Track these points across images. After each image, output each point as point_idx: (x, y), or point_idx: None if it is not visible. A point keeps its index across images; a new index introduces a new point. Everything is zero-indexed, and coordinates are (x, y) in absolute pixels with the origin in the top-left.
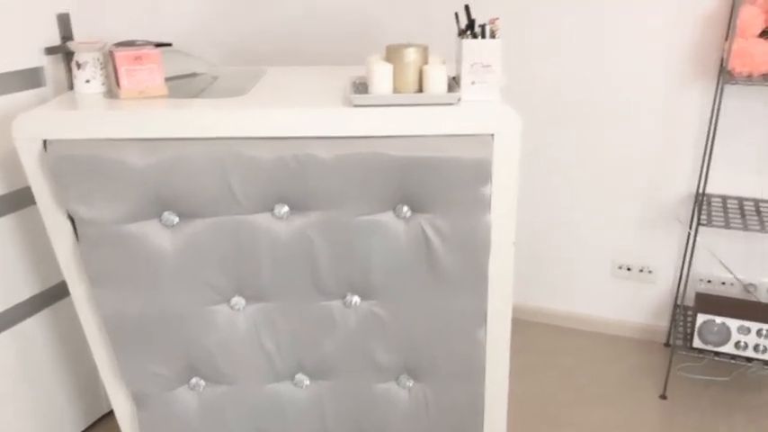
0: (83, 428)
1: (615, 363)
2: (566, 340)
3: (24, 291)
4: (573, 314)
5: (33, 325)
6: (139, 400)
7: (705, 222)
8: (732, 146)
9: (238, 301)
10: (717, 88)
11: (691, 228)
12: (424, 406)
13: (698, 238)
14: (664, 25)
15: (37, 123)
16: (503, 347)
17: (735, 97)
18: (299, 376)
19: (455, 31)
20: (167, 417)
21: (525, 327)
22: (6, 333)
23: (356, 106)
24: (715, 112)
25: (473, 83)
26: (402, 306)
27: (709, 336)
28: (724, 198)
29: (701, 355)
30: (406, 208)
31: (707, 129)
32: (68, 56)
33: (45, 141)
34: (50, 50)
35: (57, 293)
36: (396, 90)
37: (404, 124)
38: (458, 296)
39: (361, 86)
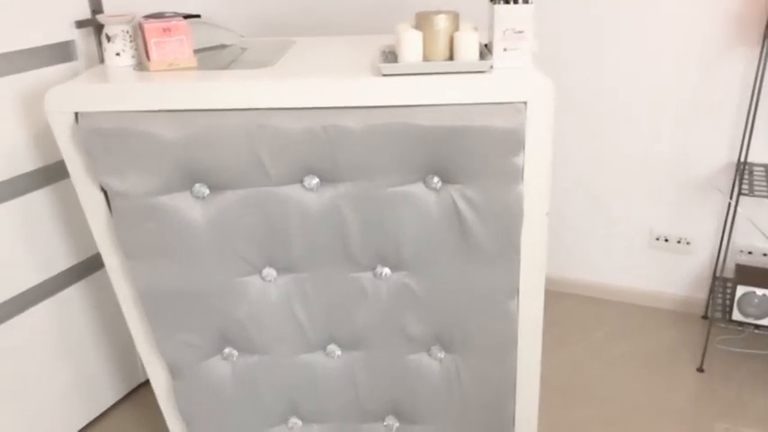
0: (120, 396)
1: (651, 335)
2: (600, 312)
3: (62, 262)
4: (608, 286)
5: (71, 295)
6: (174, 370)
7: (747, 192)
8: None
9: (270, 272)
10: (761, 53)
11: (731, 197)
12: (456, 377)
13: (738, 208)
14: None
15: (69, 96)
16: (535, 320)
17: None
18: (331, 347)
19: None
20: (202, 386)
21: (559, 298)
22: (46, 302)
23: (385, 75)
24: (759, 78)
25: (505, 49)
26: (433, 277)
27: (749, 308)
28: (767, 167)
29: (740, 328)
30: (436, 179)
31: (749, 96)
32: (98, 29)
33: (77, 114)
34: (81, 24)
35: (94, 264)
36: (426, 58)
37: (434, 93)
38: (489, 267)
39: (391, 55)
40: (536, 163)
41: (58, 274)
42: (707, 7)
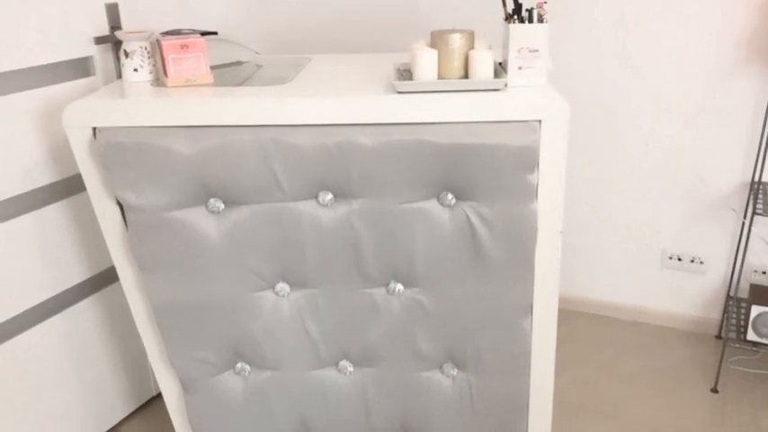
0: (132, 410)
1: (664, 355)
2: (613, 331)
3: (76, 275)
4: (620, 305)
5: (84, 309)
6: (186, 385)
7: (761, 212)
8: None
9: (283, 287)
10: None
11: (745, 217)
12: (468, 395)
13: (752, 228)
14: (716, 9)
15: (87, 111)
16: (548, 338)
17: None
18: (343, 363)
19: (501, 16)
20: (214, 401)
21: (571, 317)
22: (59, 316)
23: (400, 93)
24: None
25: (520, 68)
26: (446, 294)
27: (763, 328)
28: None
29: (755, 348)
30: (450, 195)
31: (763, 115)
32: (117, 45)
33: (95, 129)
34: (99, 40)
35: (107, 278)
36: (441, 76)
37: (449, 111)
38: (503, 285)
39: (406, 73)
40: (550, 181)
41: (72, 287)
42: (720, 27)
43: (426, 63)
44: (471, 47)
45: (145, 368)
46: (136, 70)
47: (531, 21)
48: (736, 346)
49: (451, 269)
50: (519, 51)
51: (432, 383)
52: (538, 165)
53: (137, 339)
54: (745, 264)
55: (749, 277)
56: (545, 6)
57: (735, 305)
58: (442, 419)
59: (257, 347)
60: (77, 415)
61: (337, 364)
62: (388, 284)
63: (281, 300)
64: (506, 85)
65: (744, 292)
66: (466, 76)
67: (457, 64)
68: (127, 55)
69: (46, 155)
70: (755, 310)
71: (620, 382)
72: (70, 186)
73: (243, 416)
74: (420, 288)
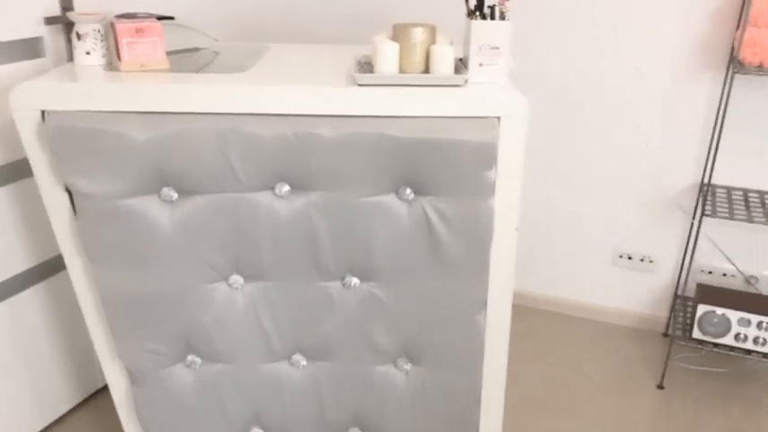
0: (77, 402)
1: (614, 352)
2: (566, 328)
3: (20, 263)
4: (573, 302)
5: (29, 298)
6: (135, 376)
7: (709, 213)
8: (739, 137)
9: (237, 279)
10: (726, 78)
11: (694, 218)
12: (422, 390)
13: (701, 229)
14: (674, 14)
15: (35, 94)
16: (502, 334)
17: (744, 87)
18: (297, 357)
19: (464, 12)
20: (163, 393)
21: (525, 313)
22: (2, 305)
23: (360, 85)
24: (723, 102)
25: (481, 65)
26: (402, 289)
27: (708, 327)
28: (729, 189)
29: (699, 346)
30: (408, 190)
31: (714, 119)
32: (68, 27)
33: (43, 112)
34: (50, 20)
35: (53, 267)
36: (402, 70)
37: (409, 105)
38: (459, 281)
39: (367, 66)
40: (508, 178)
41: (17, 275)
42: (677, 31)
43: (388, 56)
44: (433, 41)
45: (91, 359)
46: (88, 53)
47: (493, 18)
48: (683, 343)
49: (408, 264)
50: (480, 48)
51: (386, 378)
52: (496, 161)
53: (83, 330)
54: (693, 263)
55: (696, 277)
56: (507, 4)
57: (682, 304)
58: (396, 413)
59: (209, 340)
60: (21, 406)
61: (290, 358)
62: (344, 278)
63: (235, 292)
64: (467, 82)
65: (691, 292)
66: (427, 70)
67: (418, 58)
68: (79, 37)
69: None
70: (701, 308)
71: (571, 378)
72: (16, 171)
73: (193, 409)
74: (376, 282)
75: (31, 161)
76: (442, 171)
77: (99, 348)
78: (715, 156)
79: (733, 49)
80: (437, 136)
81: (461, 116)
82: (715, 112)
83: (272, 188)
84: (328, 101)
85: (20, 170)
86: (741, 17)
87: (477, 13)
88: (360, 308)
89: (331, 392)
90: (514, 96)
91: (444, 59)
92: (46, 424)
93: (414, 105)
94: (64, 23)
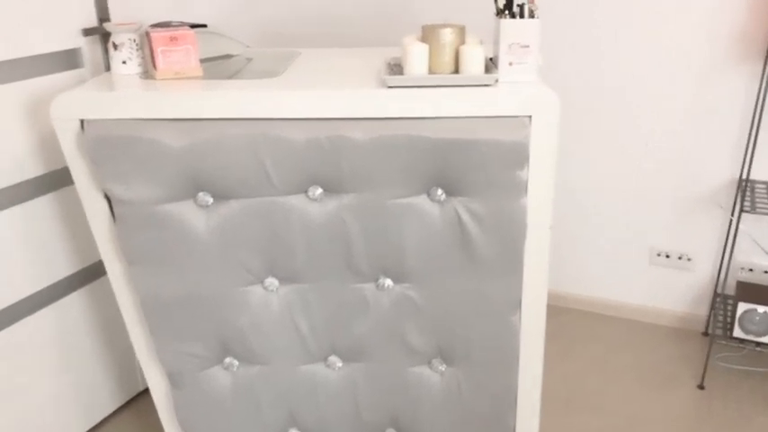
0: (119, 405)
1: (652, 351)
2: (601, 328)
3: (64, 269)
4: (609, 301)
5: (72, 302)
6: (174, 379)
7: (749, 209)
8: None
9: (272, 282)
10: (764, 70)
11: (733, 214)
12: (457, 390)
13: (740, 225)
14: (709, 8)
15: (75, 104)
16: (537, 334)
17: None
18: (332, 358)
19: (493, 11)
20: (201, 395)
21: (560, 313)
22: (46, 309)
23: (390, 87)
24: (761, 95)
25: (511, 63)
26: (435, 290)
27: (750, 325)
28: None
29: (741, 345)
30: (440, 191)
31: (752, 113)
32: (105, 37)
33: (82, 122)
34: (88, 32)
35: (95, 272)
36: (431, 71)
37: (439, 106)
38: (492, 281)
39: (396, 68)
40: (540, 177)
41: (60, 280)
42: (711, 23)
43: (417, 58)
44: (462, 42)
45: (132, 362)
46: (124, 63)
47: (522, 16)
48: (723, 342)
49: (441, 264)
50: (510, 47)
51: (421, 378)
52: (528, 160)
53: (124, 333)
54: (732, 261)
55: (736, 274)
56: (536, 2)
57: (722, 302)
58: (431, 414)
59: (246, 342)
60: (64, 409)
61: (326, 360)
62: (377, 280)
63: (270, 294)
64: (497, 81)
65: (731, 290)
66: (456, 71)
67: (448, 59)
68: (115, 47)
69: (33, 147)
70: (742, 307)
71: (608, 377)
72: (58, 179)
73: (231, 411)
74: (409, 283)
75: (71, 169)
76: (473, 171)
77: (139, 351)
78: (753, 150)
79: None
80: (468, 136)
81: (492, 116)
82: (753, 106)
83: (306, 191)
84: (359, 104)
85: (62, 179)
86: None
87: (507, 11)
88: (393, 309)
89: (366, 393)
90: (545, 95)
91: (474, 59)
92: (90, 426)
93: (444, 106)
94: (101, 34)
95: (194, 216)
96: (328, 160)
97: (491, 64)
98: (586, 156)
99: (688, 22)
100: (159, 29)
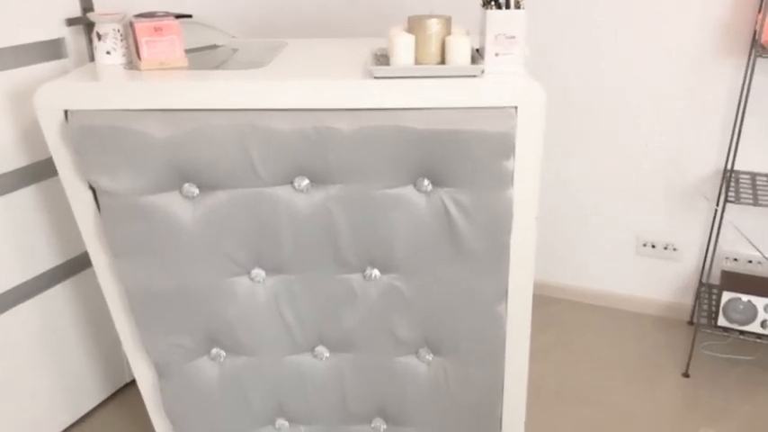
0: (105, 397)
1: (638, 340)
2: (588, 317)
3: (48, 261)
4: (595, 291)
5: (57, 294)
6: (161, 370)
7: (733, 199)
8: (762, 122)
9: (258, 273)
10: (748, 63)
11: (717, 205)
12: (444, 380)
13: (725, 216)
14: (709, 7)
15: (58, 94)
16: (523, 324)
17: (766, 72)
18: (319, 348)
19: (479, 2)
20: (188, 386)
21: (546, 303)
22: (30, 302)
23: (377, 78)
24: (745, 87)
25: (497, 54)
26: (422, 280)
27: (734, 314)
28: (753, 175)
29: (725, 334)
30: (427, 182)
31: (736, 104)
32: (89, 27)
33: (66, 112)
34: (71, 22)
35: (80, 264)
36: (418, 62)
37: (425, 96)
38: (479, 271)
39: (383, 58)
40: (526, 167)
41: (44, 272)
42: (698, 16)
43: (403, 48)
44: (448, 32)
45: (119, 354)
46: (108, 53)
47: (508, 7)
48: (708, 331)
49: (428, 255)
50: (496, 38)
51: (408, 368)
52: (514, 151)
53: (110, 325)
54: (717, 251)
55: (721, 264)
56: None
57: (706, 291)
58: (418, 404)
59: (233, 333)
60: (50, 401)
61: (313, 350)
62: (364, 270)
63: (257, 285)
64: (483, 72)
65: (716, 279)
66: (443, 61)
67: (434, 50)
68: (99, 37)
69: (16, 138)
70: (726, 296)
71: (595, 367)
72: (41, 170)
73: (218, 401)
74: (396, 274)
75: (55, 160)
76: (459, 162)
77: (125, 343)
78: (738, 141)
79: (755, 32)
80: (454, 127)
81: (478, 107)
82: (737, 98)
83: (292, 182)
84: (345, 94)
85: (46, 170)
86: (763, 1)
87: (493, 2)
88: (381, 299)
89: (354, 383)
90: (531, 85)
91: (460, 50)
92: (76, 418)
93: (430, 97)
94: (84, 24)
95: (180, 207)
96: (315, 151)
97: (477, 55)
98: (571, 146)
99: (676, 14)
100: (144, 19)
